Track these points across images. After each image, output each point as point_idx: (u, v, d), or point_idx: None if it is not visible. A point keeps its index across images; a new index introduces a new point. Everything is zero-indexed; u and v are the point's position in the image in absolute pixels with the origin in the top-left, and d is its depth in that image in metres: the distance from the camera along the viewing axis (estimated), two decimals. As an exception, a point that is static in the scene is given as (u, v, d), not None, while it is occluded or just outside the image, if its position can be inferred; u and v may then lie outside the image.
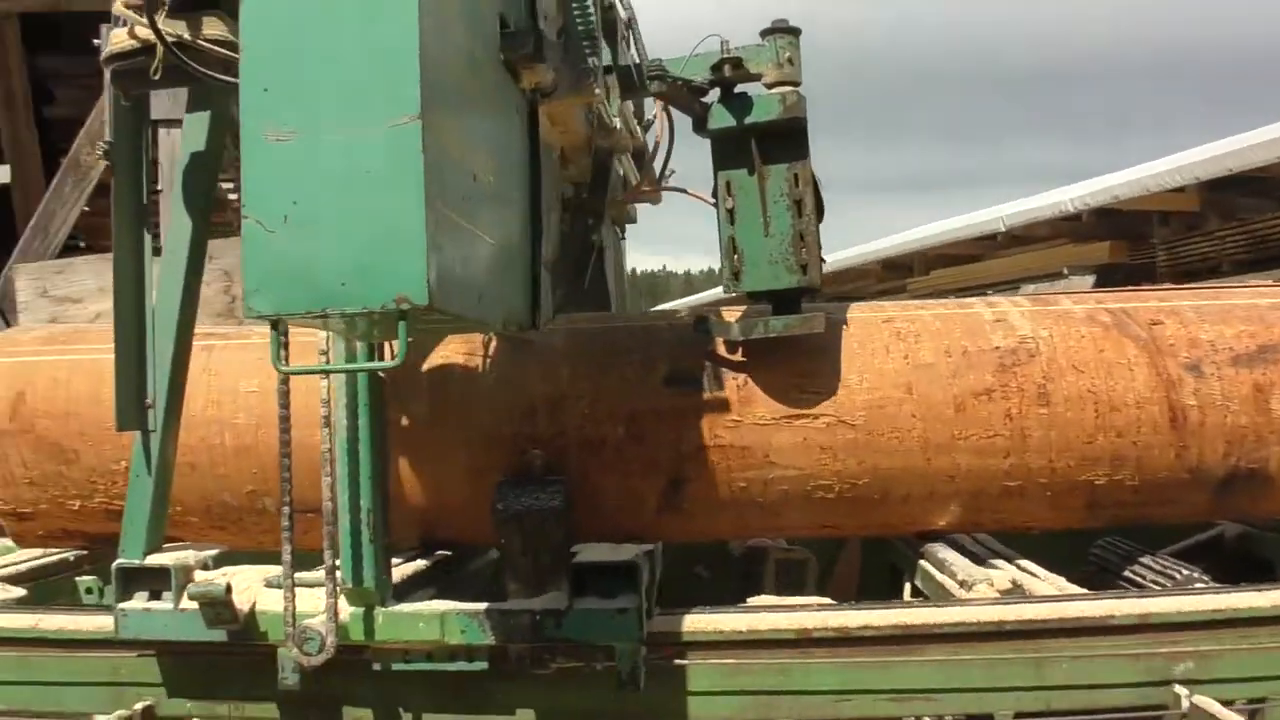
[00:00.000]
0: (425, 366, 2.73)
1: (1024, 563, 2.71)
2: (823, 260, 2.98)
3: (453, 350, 2.73)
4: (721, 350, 2.72)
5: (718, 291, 23.92)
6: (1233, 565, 3.04)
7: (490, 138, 2.06)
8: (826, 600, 2.43)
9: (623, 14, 2.92)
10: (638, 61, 2.85)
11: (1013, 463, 2.57)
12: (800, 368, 2.62)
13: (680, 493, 2.64)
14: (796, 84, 2.79)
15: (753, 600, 2.49)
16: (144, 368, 2.55)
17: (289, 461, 2.36)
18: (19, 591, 2.67)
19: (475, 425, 2.68)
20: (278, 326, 1.68)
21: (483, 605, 2.46)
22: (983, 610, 2.18)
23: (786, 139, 2.77)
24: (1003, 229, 12.17)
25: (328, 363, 2.38)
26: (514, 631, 2.44)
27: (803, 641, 2.21)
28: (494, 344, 2.81)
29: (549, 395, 2.64)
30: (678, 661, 2.43)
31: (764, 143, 2.76)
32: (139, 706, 2.32)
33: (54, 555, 2.99)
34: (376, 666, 2.50)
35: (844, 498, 2.62)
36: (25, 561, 2.91)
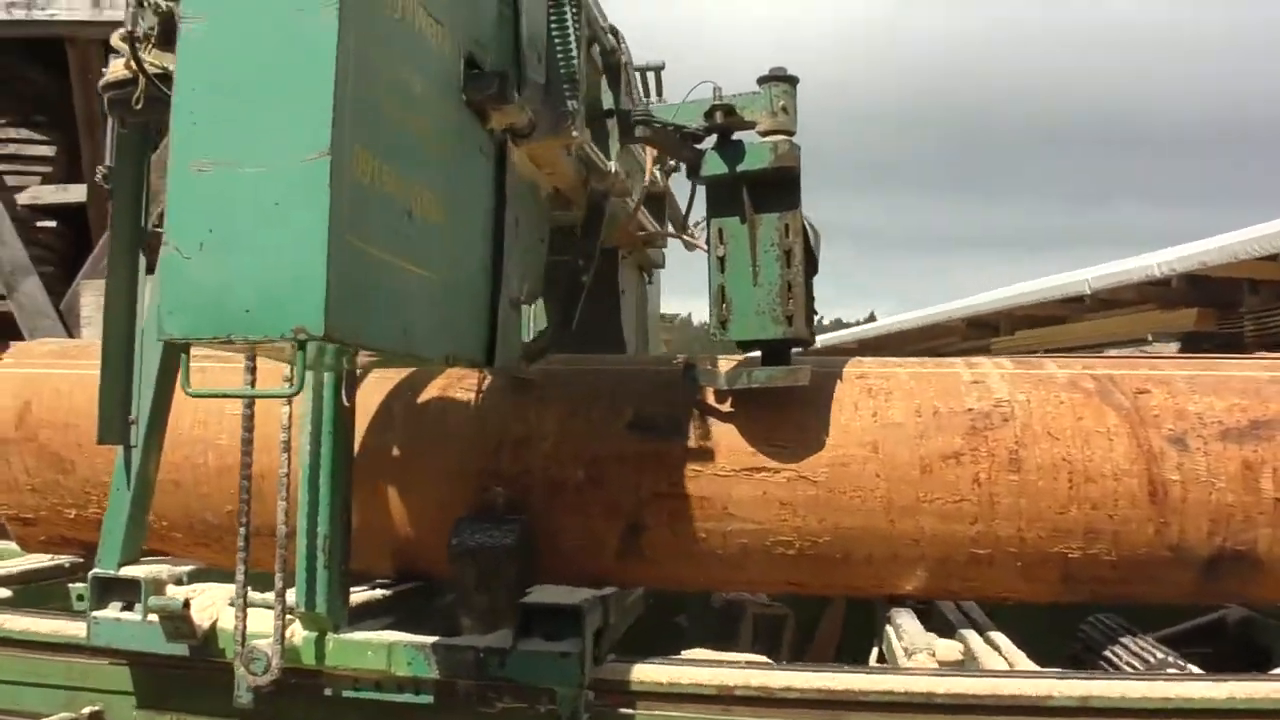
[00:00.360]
0: (401, 398, 2.78)
1: (995, 635, 2.61)
2: (814, 313, 2.95)
3: (429, 383, 2.78)
4: (706, 399, 2.70)
5: (830, 337, 23.56)
6: (1235, 651, 2.89)
7: (440, 176, 2.09)
8: (758, 658, 2.37)
9: (623, 59, 2.96)
10: (628, 107, 2.87)
11: (980, 529, 2.49)
12: (766, 421, 2.59)
13: (639, 538, 2.62)
14: (790, 133, 2.78)
15: (688, 653, 2.44)
16: (129, 384, 2.66)
17: (249, 484, 2.42)
18: (5, 593, 2.78)
19: (444, 459, 2.71)
20: (187, 351, 1.73)
21: (431, 639, 2.47)
22: (913, 680, 2.10)
23: (778, 188, 2.76)
24: (1088, 291, 11.81)
25: (290, 387, 2.44)
26: (458, 667, 2.44)
27: (724, 698, 2.16)
28: (482, 380, 2.84)
29: (516, 434, 2.66)
30: (623, 710, 2.41)
31: (755, 191, 2.76)
32: (86, 711, 2.39)
33: (52, 561, 3.10)
34: (328, 692, 2.53)
35: (805, 555, 2.56)
36: (19, 565, 3.03)
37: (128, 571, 2.63)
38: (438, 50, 2.06)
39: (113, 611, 2.61)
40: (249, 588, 2.51)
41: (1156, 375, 2.57)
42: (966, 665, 2.32)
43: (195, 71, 1.72)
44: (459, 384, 2.81)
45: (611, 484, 2.59)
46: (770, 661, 2.34)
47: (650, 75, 4.09)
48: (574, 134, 2.54)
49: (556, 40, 2.54)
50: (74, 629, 2.50)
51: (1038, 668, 2.28)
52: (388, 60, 1.84)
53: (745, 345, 2.85)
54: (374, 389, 2.83)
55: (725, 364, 2.83)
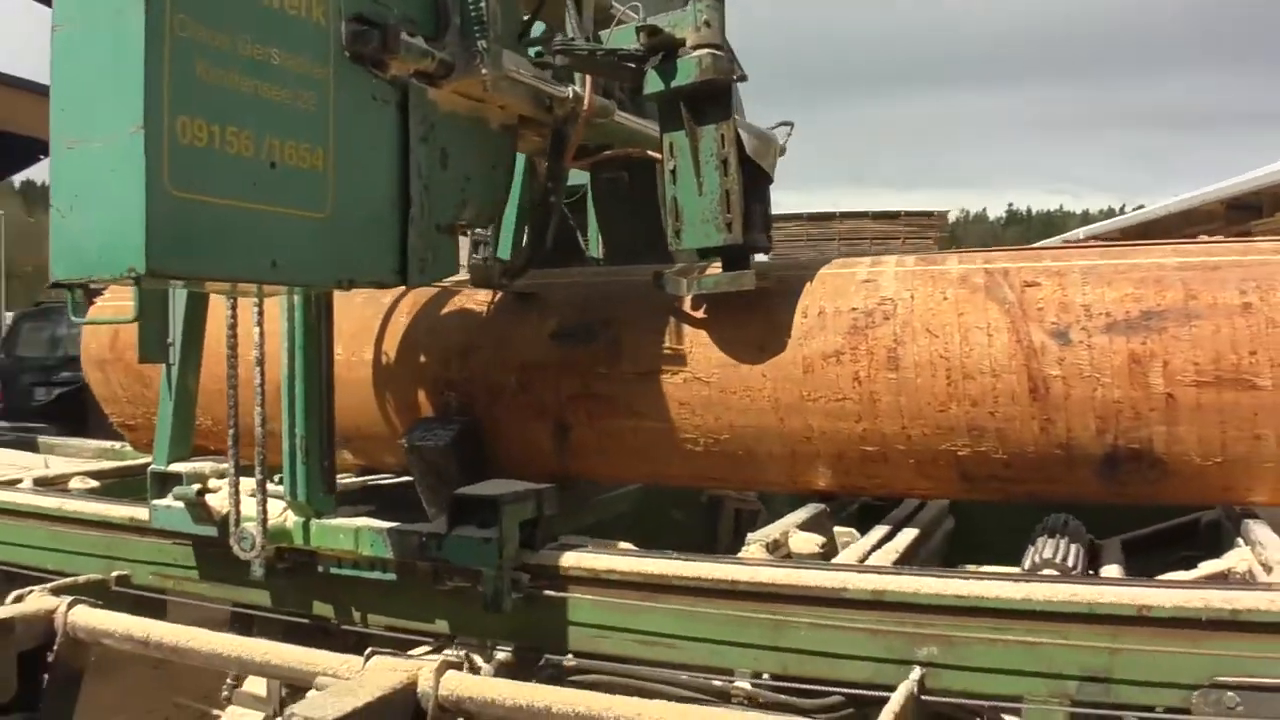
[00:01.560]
0: (381, 316, 3.18)
1: (906, 532, 2.71)
2: (769, 219, 3.05)
3: (420, 300, 3.15)
4: (683, 306, 2.88)
5: (1098, 226, 22.22)
6: (1203, 556, 2.79)
7: (318, 127, 2.41)
8: (627, 546, 2.58)
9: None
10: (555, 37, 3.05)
11: (866, 427, 2.56)
12: (665, 325, 2.77)
13: (567, 437, 2.90)
14: (716, 46, 2.88)
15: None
16: (165, 312, 3.22)
17: (234, 393, 2.91)
18: (94, 484, 3.47)
19: (415, 367, 3.09)
20: (71, 289, 2.18)
21: (388, 524, 2.89)
22: (719, 568, 2.24)
23: (711, 100, 2.89)
24: (1351, 164, 10.46)
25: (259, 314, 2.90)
26: (406, 549, 2.84)
27: (567, 580, 2.43)
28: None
29: (462, 344, 2.99)
30: (549, 592, 2.71)
31: (692, 105, 2.90)
32: (115, 574, 3.00)
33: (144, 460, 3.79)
34: (320, 569, 3.02)
35: (711, 451, 2.74)
36: (125, 462, 3.73)
37: (176, 467, 3.22)
38: (304, 19, 2.37)
39: (167, 500, 3.22)
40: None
41: (1054, 267, 2.50)
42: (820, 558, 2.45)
43: (62, 67, 2.15)
44: (422, 302, 3.16)
45: (536, 388, 2.88)
46: (638, 550, 2.55)
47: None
48: (483, 72, 2.78)
49: (465, -17, 2.78)
50: (110, 510, 3.12)
51: (886, 564, 2.37)
52: (223, 39, 2.17)
53: (702, 253, 3.01)
54: (365, 305, 3.24)
55: (714, 270, 3.00)
